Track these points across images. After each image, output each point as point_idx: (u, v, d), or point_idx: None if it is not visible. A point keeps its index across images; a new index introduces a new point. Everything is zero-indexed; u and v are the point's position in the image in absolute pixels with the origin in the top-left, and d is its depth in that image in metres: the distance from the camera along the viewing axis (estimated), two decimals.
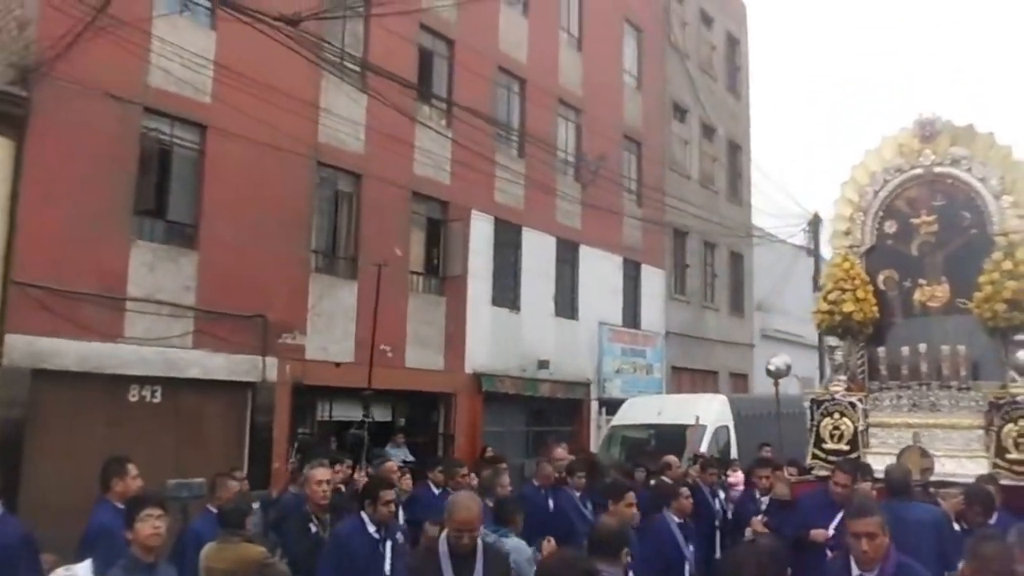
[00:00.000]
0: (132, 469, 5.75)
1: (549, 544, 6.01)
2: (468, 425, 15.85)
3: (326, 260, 14.06)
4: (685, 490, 6.49)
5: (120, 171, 11.06)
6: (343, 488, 7.83)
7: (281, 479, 10.60)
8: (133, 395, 11.05)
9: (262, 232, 12.49)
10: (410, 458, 12.78)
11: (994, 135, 9.18)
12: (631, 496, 5.88)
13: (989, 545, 3.89)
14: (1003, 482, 7.32)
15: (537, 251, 18.19)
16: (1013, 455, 7.90)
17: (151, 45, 11.37)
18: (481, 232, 16.72)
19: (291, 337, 12.77)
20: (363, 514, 5.87)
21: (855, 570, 4.37)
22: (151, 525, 4.30)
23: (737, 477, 10.72)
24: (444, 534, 4.54)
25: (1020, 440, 7.91)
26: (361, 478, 8.18)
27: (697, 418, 11.86)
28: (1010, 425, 7.99)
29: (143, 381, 11.10)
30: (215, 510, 6.28)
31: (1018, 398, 8.00)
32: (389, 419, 14.43)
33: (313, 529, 6.01)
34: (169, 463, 9.99)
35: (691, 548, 6.63)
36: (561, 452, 9.72)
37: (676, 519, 6.71)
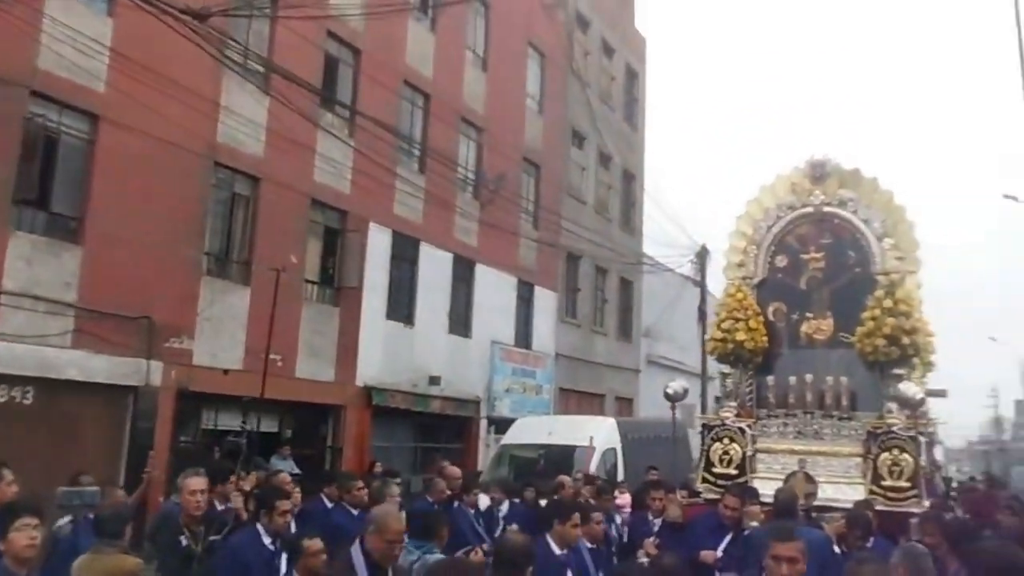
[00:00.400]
0: (7, 474, 5.38)
1: (477, 556, 5.96)
2: (356, 439, 15.54)
3: (219, 264, 13.57)
4: (598, 515, 6.20)
5: (0, 156, 10.38)
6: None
7: (158, 488, 10.06)
8: (1, 395, 10.31)
9: (152, 230, 11.94)
10: (296, 470, 12.41)
11: (878, 180, 9.84)
12: (577, 517, 5.73)
13: (867, 567, 4.07)
14: (878, 507, 7.73)
15: (434, 267, 18.13)
16: (888, 482, 8.45)
17: (43, 25, 10.74)
18: (379, 244, 16.53)
19: (178, 341, 12.23)
20: (258, 525, 5.69)
21: None
22: (27, 535, 4.06)
23: (624, 499, 10.87)
24: (357, 547, 4.39)
25: (894, 468, 8.46)
26: (235, 488, 7.81)
27: (591, 439, 12.03)
28: (885, 454, 8.53)
29: (14, 381, 10.36)
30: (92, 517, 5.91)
31: (894, 428, 8.53)
32: (275, 430, 13.99)
33: (184, 542, 5.72)
34: (39, 469, 9.34)
35: None
36: (454, 470, 9.66)
37: (588, 544, 6.54)
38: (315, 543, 4.80)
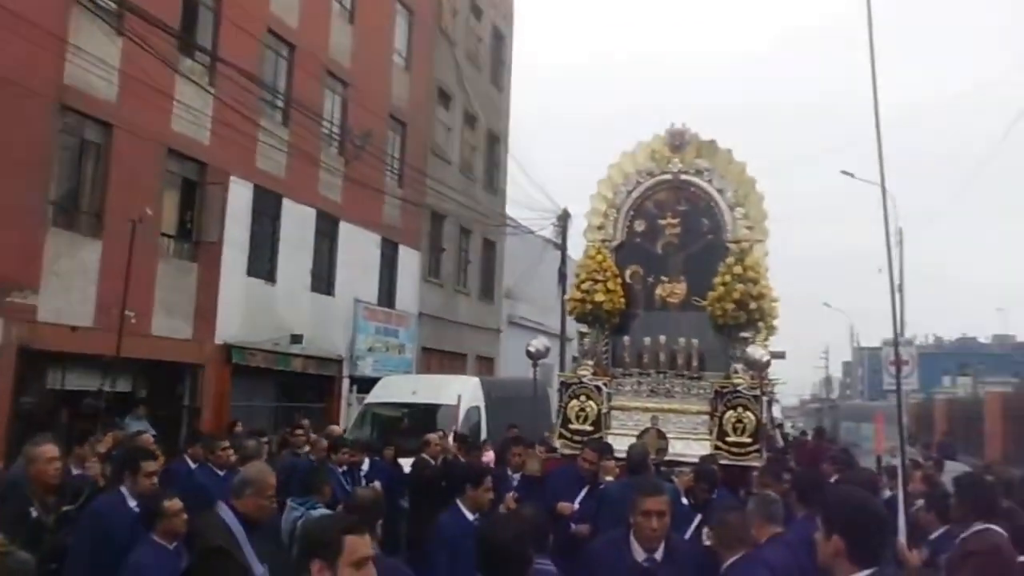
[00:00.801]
0: None
1: None
2: (215, 398, 15.12)
3: (67, 215, 12.73)
4: (488, 480, 5.84)
5: None
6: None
7: None
8: None
9: None
10: (151, 431, 12.01)
11: (732, 152, 10.31)
12: (489, 481, 5.66)
13: (732, 515, 4.50)
14: (723, 462, 8.24)
15: (297, 223, 17.74)
16: (732, 438, 8.97)
17: None
18: (240, 198, 15.99)
19: (20, 296, 11.44)
20: (122, 488, 5.54)
21: (639, 553, 4.37)
22: None
23: (489, 456, 11.19)
24: (225, 507, 4.32)
25: (738, 425, 8.99)
26: (91, 450, 7.54)
27: (459, 397, 12.24)
28: (730, 412, 9.03)
29: None
30: None
31: (739, 388, 9.09)
32: (129, 389, 13.42)
33: (34, 513, 5.32)
34: None
35: None
36: (336, 428, 9.69)
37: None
38: (175, 503, 4.72)
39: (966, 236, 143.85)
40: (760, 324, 9.57)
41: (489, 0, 27.74)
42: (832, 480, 7.69)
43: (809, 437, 19.92)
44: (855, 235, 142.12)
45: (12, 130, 11.44)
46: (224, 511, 4.31)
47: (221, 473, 7.46)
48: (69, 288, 12.31)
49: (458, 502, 5.47)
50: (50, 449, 5.45)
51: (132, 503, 5.35)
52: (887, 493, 7.77)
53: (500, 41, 28.92)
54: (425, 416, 13.74)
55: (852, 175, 26.61)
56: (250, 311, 16.18)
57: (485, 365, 26.17)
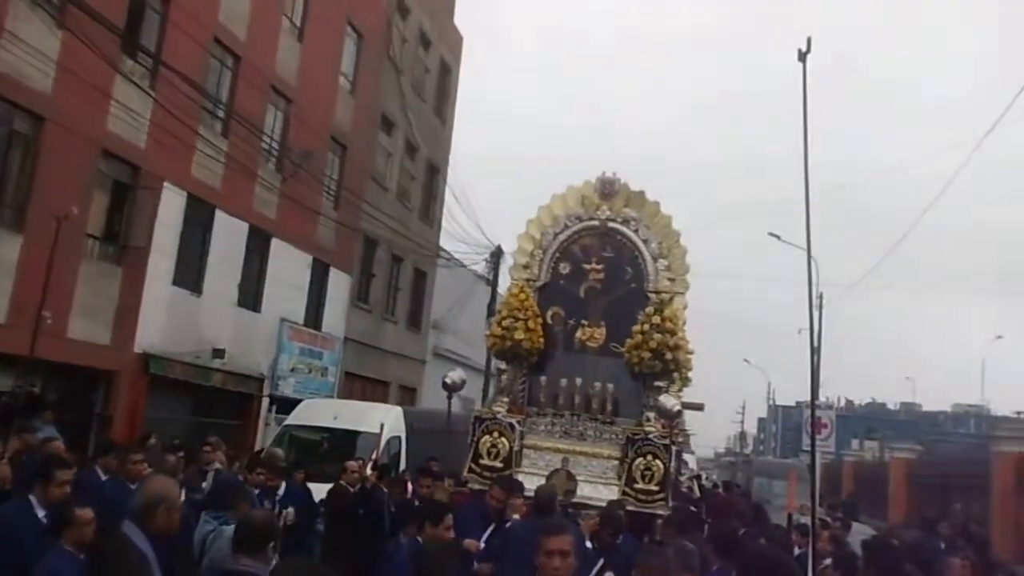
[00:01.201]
0: None
1: None
2: (129, 408, 14.64)
3: None
4: (449, 517, 5.66)
5: None
6: None
7: None
8: None
9: None
10: (56, 436, 11.62)
11: (659, 204, 10.59)
12: (450, 519, 5.61)
13: (654, 559, 4.62)
14: (629, 508, 8.34)
15: (228, 235, 17.48)
16: (640, 485, 9.06)
17: None
18: (172, 205, 15.68)
19: None
20: (31, 496, 5.42)
21: None
22: None
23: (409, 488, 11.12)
24: (132, 525, 4.02)
25: (647, 472, 9.09)
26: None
27: (382, 425, 12.17)
28: (640, 459, 9.14)
29: None
30: None
31: (650, 435, 9.25)
32: (38, 391, 12.97)
33: None
34: None
35: None
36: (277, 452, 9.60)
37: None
38: (86, 512, 4.62)
39: (880, 306, 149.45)
40: (675, 375, 9.79)
41: (438, 33, 28.08)
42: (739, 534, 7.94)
43: (719, 490, 20.37)
44: (778, 295, 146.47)
45: None
46: (133, 532, 4.05)
47: (133, 486, 7.30)
48: None
49: (417, 539, 5.45)
50: None
51: (40, 512, 5.23)
52: (797, 550, 8.09)
53: (447, 74, 29.23)
54: (345, 442, 13.52)
55: (779, 237, 27.59)
56: (173, 321, 15.82)
57: (407, 394, 26.04)
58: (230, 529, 5.39)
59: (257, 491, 8.52)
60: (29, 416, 11.33)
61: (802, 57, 9.03)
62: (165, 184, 15.47)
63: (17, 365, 10.59)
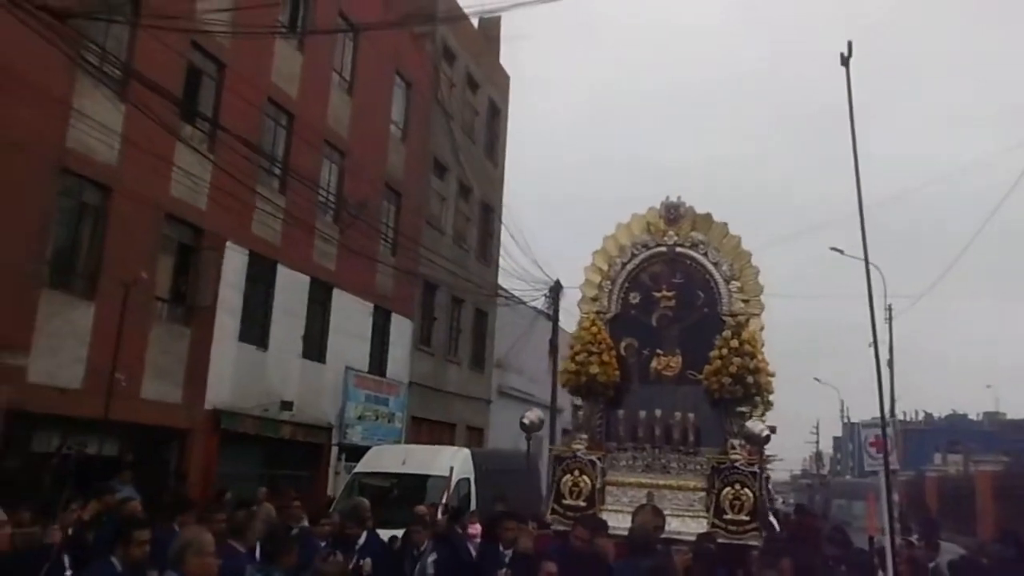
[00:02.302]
0: None
1: None
2: (203, 464, 14.88)
3: (61, 276, 12.70)
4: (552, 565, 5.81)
5: None
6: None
7: None
8: None
9: None
10: (134, 496, 11.76)
11: (727, 225, 10.31)
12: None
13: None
14: (720, 540, 8.09)
15: (290, 289, 17.75)
16: (729, 515, 8.68)
17: None
18: (234, 264, 16.02)
19: (11, 357, 11.32)
20: (112, 558, 5.41)
21: None
22: None
23: (475, 528, 10.97)
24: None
25: (735, 502, 8.71)
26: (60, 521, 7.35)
27: (451, 469, 12.07)
28: (728, 488, 8.76)
29: None
30: None
31: (736, 464, 8.91)
32: (115, 453, 13.18)
33: None
34: None
35: None
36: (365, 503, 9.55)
37: None
38: None
39: (956, 314, 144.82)
40: (757, 399, 9.45)
41: (485, 74, 28.37)
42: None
43: (793, 514, 19.73)
44: (846, 311, 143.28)
45: (12, 191, 11.50)
46: None
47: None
48: (60, 349, 12.20)
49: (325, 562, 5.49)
50: None
51: (121, 572, 5.23)
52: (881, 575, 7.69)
53: (495, 115, 29.47)
54: (414, 487, 13.52)
55: (842, 251, 26.98)
56: (241, 377, 16.05)
57: (474, 435, 25.91)
58: None
59: (324, 543, 8.43)
60: (108, 478, 11.53)
61: (844, 62, 8.76)
62: (227, 243, 15.80)
63: (95, 428, 10.74)
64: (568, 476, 9.46)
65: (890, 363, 28.41)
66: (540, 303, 25.57)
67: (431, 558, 7.87)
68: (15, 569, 5.62)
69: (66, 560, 6.18)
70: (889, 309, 29.28)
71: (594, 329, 9.93)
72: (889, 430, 8.96)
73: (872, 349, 8.54)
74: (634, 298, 10.21)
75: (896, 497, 8.90)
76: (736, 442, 9.05)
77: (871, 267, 8.61)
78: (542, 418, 10.65)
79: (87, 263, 13.10)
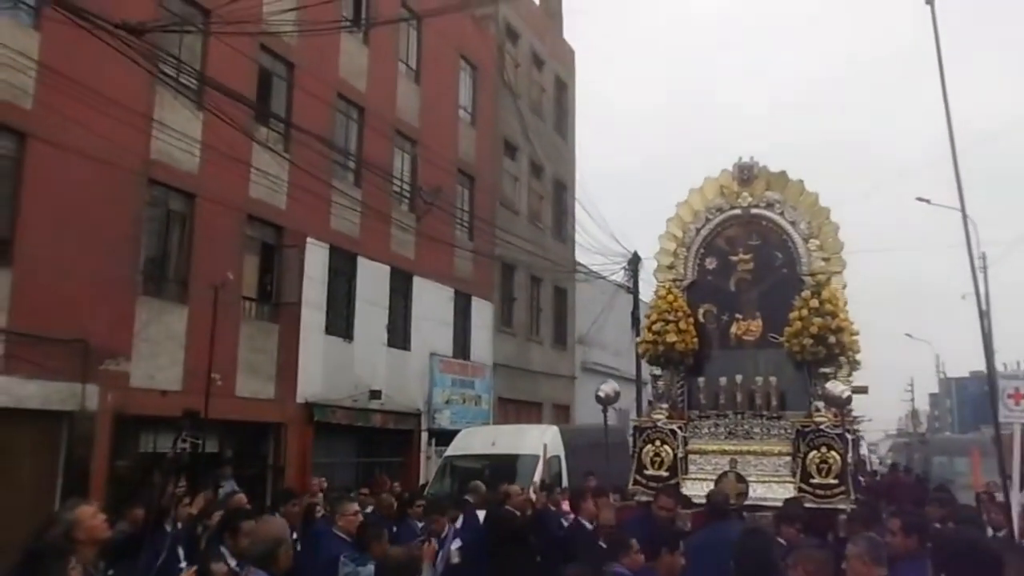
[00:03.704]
0: None
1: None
2: (298, 456, 15.41)
3: (155, 283, 13.34)
4: (635, 543, 5.65)
5: None
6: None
7: None
8: None
9: (85, 250, 11.69)
10: (238, 490, 12.27)
11: (803, 183, 9.93)
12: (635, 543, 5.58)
13: (816, 552, 4.39)
14: (808, 505, 7.96)
15: (371, 280, 18.11)
16: (816, 480, 8.52)
17: None
18: (316, 259, 16.45)
19: (114, 363, 11.96)
20: (223, 548, 5.69)
21: None
22: None
23: (566, 505, 11.02)
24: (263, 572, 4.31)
25: (823, 466, 8.53)
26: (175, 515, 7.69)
27: (545, 447, 12.16)
28: (814, 452, 8.60)
29: None
30: None
31: (822, 427, 8.69)
32: (216, 450, 13.78)
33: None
34: None
35: None
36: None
37: None
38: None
39: None
40: (841, 359, 9.17)
41: (550, 50, 28.21)
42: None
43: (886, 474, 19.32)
44: (934, 263, 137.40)
45: (105, 205, 12.09)
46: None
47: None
48: (158, 353, 12.82)
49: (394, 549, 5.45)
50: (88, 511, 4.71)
51: (232, 562, 5.47)
52: (990, 531, 7.47)
53: (563, 90, 29.29)
54: (505, 467, 13.64)
55: (929, 201, 25.95)
56: (329, 369, 16.51)
57: (561, 412, 26.02)
58: (366, 570, 5.45)
59: (420, 524, 8.59)
60: (210, 474, 12.05)
61: (929, 0, 8.37)
62: (308, 239, 16.22)
63: (196, 427, 11.17)
64: (649, 446, 9.44)
65: (987, 314, 27.21)
66: (619, 276, 25.38)
67: (454, 545, 7.84)
68: (133, 558, 5.95)
69: (180, 552, 6.50)
70: (983, 258, 28.00)
71: (670, 297, 9.83)
72: None
73: (967, 300, 8.26)
74: (711, 263, 10.06)
75: (1018, 451, 8.54)
76: (821, 404, 8.87)
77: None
78: (617, 390, 10.58)
79: (177, 268, 13.69)
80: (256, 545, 4.39)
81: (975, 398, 58.41)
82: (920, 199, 26.63)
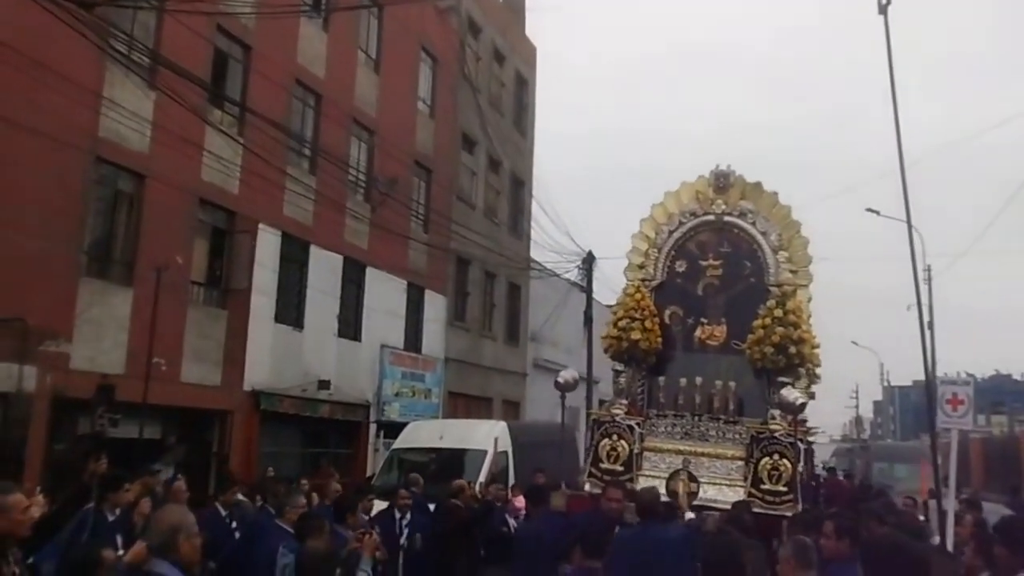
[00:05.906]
0: None
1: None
2: (243, 445, 15.08)
3: (99, 264, 12.92)
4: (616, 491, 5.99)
5: None
6: None
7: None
8: None
9: (27, 228, 11.26)
10: (178, 478, 11.94)
11: (778, 195, 10.15)
12: None
13: (800, 539, 4.47)
14: (756, 510, 8.05)
15: (323, 269, 17.82)
16: (767, 485, 8.73)
17: None
18: (268, 246, 16.11)
19: (54, 344, 11.53)
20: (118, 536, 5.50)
21: None
22: None
23: (520, 501, 10.99)
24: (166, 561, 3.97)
25: (774, 473, 8.74)
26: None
27: (495, 442, 12.10)
28: (766, 458, 8.80)
29: None
30: None
31: (776, 434, 8.86)
32: (159, 436, 13.41)
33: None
34: None
35: None
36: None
37: None
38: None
39: (995, 272, 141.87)
40: (801, 370, 9.33)
41: (512, 46, 28.09)
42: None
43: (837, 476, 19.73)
44: (881, 273, 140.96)
45: (48, 182, 11.66)
46: (164, 568, 3.91)
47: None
48: (101, 336, 12.41)
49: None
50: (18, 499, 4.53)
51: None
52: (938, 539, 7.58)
53: (523, 86, 29.20)
54: (453, 461, 13.55)
55: (877, 212, 26.51)
56: (278, 357, 16.20)
57: (511, 409, 25.98)
58: None
59: (367, 517, 8.45)
60: (151, 460, 11.73)
61: (882, 10, 8.43)
62: (260, 225, 15.89)
63: (137, 413, 10.88)
64: (606, 440, 9.61)
65: (931, 324, 27.91)
66: (573, 275, 25.41)
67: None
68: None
69: (119, 540, 6.27)
70: (928, 270, 28.72)
71: (638, 296, 10.01)
72: (968, 390, 8.83)
73: (912, 311, 8.42)
74: (680, 266, 10.27)
75: (954, 458, 8.74)
76: (776, 412, 8.99)
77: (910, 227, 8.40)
78: (576, 377, 10.62)
79: (124, 250, 13.27)
80: (153, 535, 4.09)
81: (917, 406, 60.07)
82: (869, 210, 27.20)
